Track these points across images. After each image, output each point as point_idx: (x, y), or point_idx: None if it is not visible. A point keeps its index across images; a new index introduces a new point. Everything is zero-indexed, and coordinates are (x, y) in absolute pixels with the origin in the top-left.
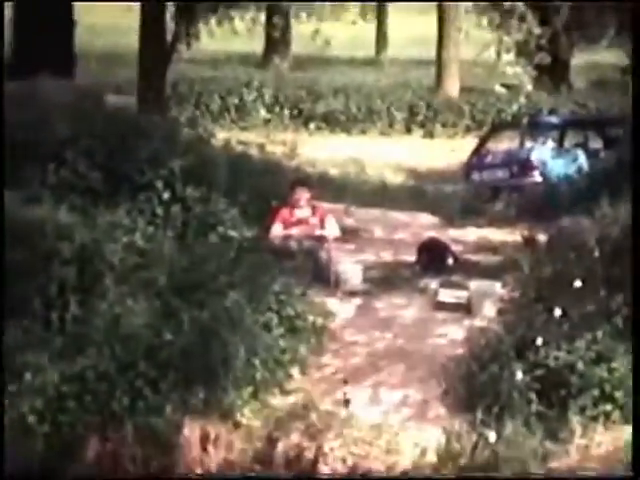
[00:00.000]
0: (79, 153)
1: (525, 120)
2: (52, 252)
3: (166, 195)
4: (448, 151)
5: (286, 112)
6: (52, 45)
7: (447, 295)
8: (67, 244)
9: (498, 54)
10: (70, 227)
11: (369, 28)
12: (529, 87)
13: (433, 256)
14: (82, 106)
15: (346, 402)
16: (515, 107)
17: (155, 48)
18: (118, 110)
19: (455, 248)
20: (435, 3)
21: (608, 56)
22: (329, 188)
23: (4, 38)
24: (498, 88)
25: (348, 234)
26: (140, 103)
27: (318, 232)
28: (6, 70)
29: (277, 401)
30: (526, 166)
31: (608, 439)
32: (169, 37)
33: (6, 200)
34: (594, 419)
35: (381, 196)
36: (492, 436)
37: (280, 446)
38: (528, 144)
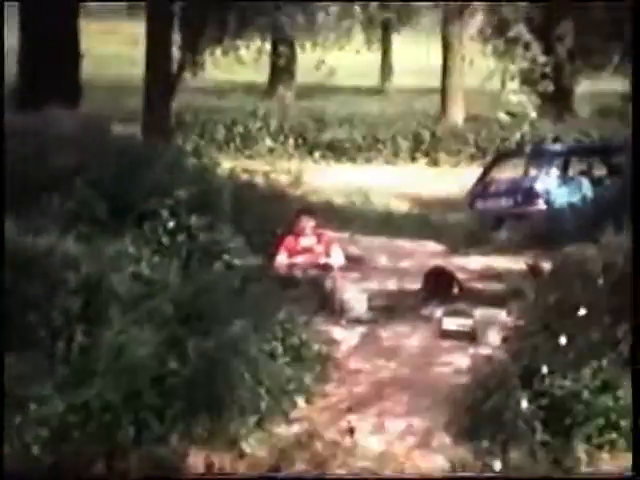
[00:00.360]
0: (85, 183)
1: (529, 148)
2: (58, 282)
3: (171, 224)
4: (452, 180)
5: (291, 141)
6: (59, 75)
7: (452, 323)
8: (73, 274)
9: (502, 82)
10: (76, 257)
11: (374, 57)
12: (533, 115)
13: (439, 284)
14: (88, 136)
15: (351, 431)
16: (519, 135)
17: (160, 77)
18: (124, 139)
19: (460, 276)
20: (439, 33)
21: (612, 84)
22: (334, 216)
23: (5, 47)
24: (502, 116)
25: (353, 262)
26: (145, 132)
27: (323, 260)
28: (13, 100)
29: (282, 430)
30: (530, 194)
31: (614, 467)
32: (174, 66)
33: (12, 230)
34: (599, 447)
35: (386, 224)
36: (497, 465)
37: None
38: (532, 172)
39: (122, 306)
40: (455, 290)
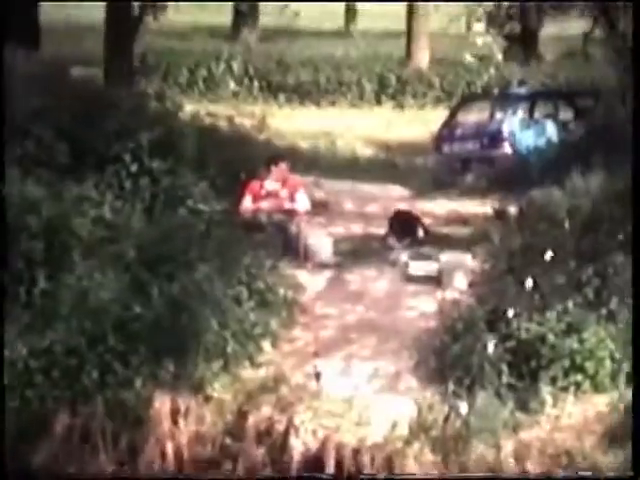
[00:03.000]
0: (45, 126)
1: (495, 91)
2: (19, 226)
3: (134, 168)
4: (418, 123)
5: (255, 84)
6: (18, 18)
7: (418, 268)
8: (34, 218)
9: (468, 25)
10: (37, 201)
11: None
12: (499, 57)
13: (404, 228)
14: (48, 79)
15: (317, 375)
16: (485, 78)
17: (121, 20)
18: (85, 83)
19: (425, 220)
20: None
21: (578, 26)
22: (299, 161)
23: None
24: (468, 58)
25: (318, 207)
26: (107, 75)
27: (288, 205)
28: None
29: (248, 374)
30: (496, 138)
31: (579, 409)
32: (136, 9)
33: None
34: (564, 389)
35: (351, 168)
36: (463, 407)
37: (251, 419)
38: (498, 116)
39: (84, 250)
40: (420, 233)
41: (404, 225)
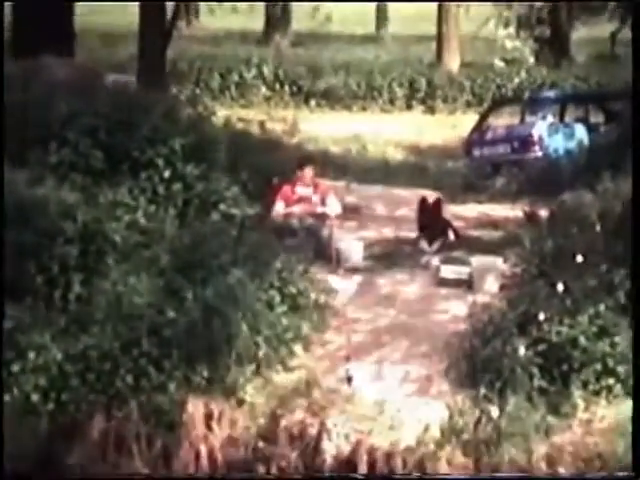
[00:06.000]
0: (80, 132)
1: (526, 95)
2: (55, 231)
3: (167, 173)
4: (449, 127)
5: (286, 89)
6: (53, 24)
7: (449, 271)
8: (69, 223)
9: (498, 28)
10: (72, 206)
11: (369, 4)
12: (530, 61)
13: (435, 232)
14: (82, 84)
15: (349, 379)
16: (516, 82)
17: (155, 26)
18: (118, 88)
19: (456, 224)
20: None
21: (609, 29)
22: (330, 165)
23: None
24: (497, 62)
25: (349, 211)
26: (140, 81)
27: (320, 210)
28: (7, 49)
29: (280, 378)
30: (527, 141)
31: (610, 413)
32: (169, 14)
33: (9, 180)
34: (596, 393)
35: (382, 173)
36: (495, 411)
37: (283, 423)
38: (529, 119)
39: (119, 255)
40: (451, 237)
41: (435, 229)
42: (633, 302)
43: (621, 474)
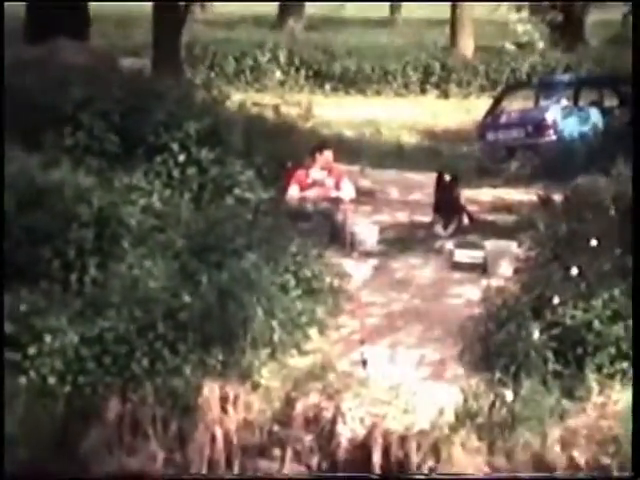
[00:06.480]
0: (95, 116)
1: (539, 79)
2: (70, 215)
3: (182, 157)
4: (463, 111)
5: (301, 73)
6: (67, 8)
7: (463, 255)
8: (85, 207)
9: (510, 12)
10: (88, 190)
11: None
12: (541, 45)
13: (449, 216)
14: (97, 68)
15: (363, 362)
16: (530, 66)
17: (169, 10)
18: (133, 72)
19: (471, 208)
20: None
21: (624, 11)
22: (344, 149)
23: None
24: (508, 46)
25: (364, 195)
26: (154, 65)
27: (334, 194)
28: (23, 34)
29: (295, 362)
30: (541, 125)
31: (625, 396)
32: None
33: (24, 163)
34: (611, 377)
35: (396, 157)
36: (509, 395)
37: (299, 406)
38: (543, 103)
39: (134, 239)
40: (466, 221)
41: (450, 208)
42: (633, 307)
43: (621, 474)
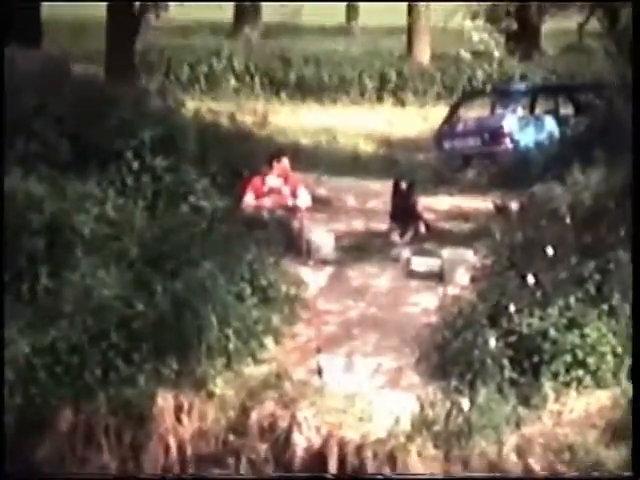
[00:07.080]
0: (47, 124)
1: (495, 87)
2: (22, 223)
3: (136, 165)
4: (420, 119)
5: (257, 81)
6: (19, 15)
7: (420, 263)
8: (37, 215)
9: (465, 19)
10: (40, 198)
11: None
12: (496, 53)
13: (405, 224)
14: (49, 76)
15: (319, 371)
16: (486, 74)
17: (123, 17)
18: (86, 79)
19: (427, 216)
20: None
21: (579, 21)
22: (301, 157)
23: None
24: (463, 53)
25: (320, 203)
26: (108, 72)
27: (290, 202)
28: None
29: (250, 370)
30: (497, 134)
31: (580, 404)
32: (137, 6)
33: None
34: (566, 385)
35: (353, 165)
36: (465, 403)
37: (254, 415)
38: (499, 111)
39: (87, 247)
40: (422, 229)
41: (407, 215)
42: (633, 317)
43: (621, 474)
